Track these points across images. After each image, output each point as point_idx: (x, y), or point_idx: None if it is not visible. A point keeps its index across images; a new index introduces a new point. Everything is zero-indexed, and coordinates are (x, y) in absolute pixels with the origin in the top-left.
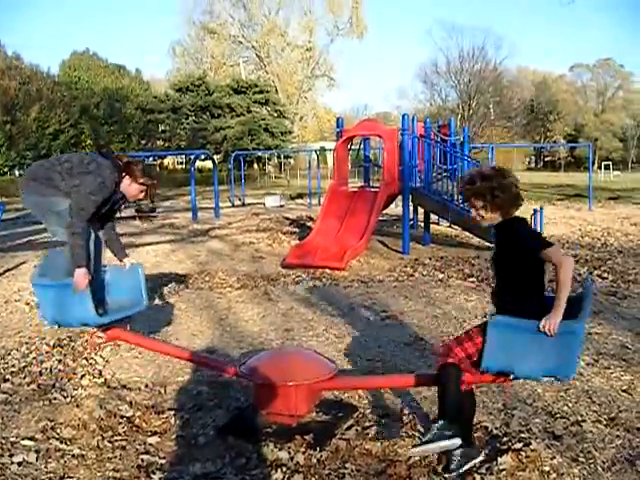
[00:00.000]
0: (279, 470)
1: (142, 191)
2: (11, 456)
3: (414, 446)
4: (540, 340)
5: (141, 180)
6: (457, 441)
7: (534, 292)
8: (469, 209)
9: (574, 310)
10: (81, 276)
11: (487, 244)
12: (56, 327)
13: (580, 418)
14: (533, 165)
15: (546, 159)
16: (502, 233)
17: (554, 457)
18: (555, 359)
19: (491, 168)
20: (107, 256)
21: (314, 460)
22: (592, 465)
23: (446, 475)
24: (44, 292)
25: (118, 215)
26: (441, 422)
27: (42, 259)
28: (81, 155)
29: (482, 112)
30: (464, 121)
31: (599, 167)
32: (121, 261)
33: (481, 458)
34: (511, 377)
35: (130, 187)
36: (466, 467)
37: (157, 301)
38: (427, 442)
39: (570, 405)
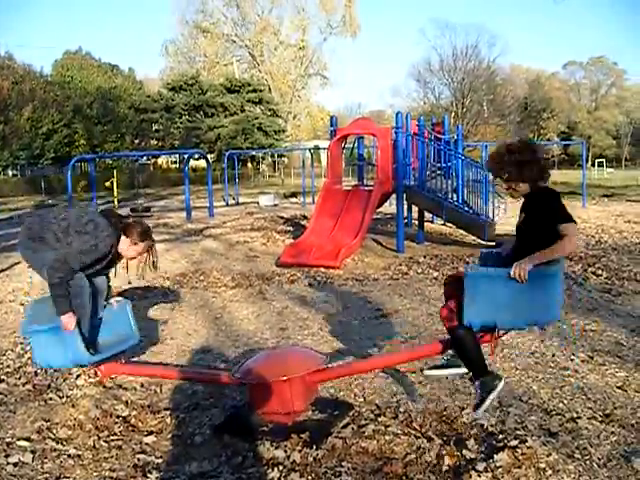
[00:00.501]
0: (275, 469)
1: (140, 254)
2: (7, 457)
3: (475, 409)
4: (517, 288)
5: (140, 243)
6: (501, 383)
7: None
8: (462, 206)
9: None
10: (67, 319)
11: (481, 242)
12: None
13: (575, 415)
14: None
15: None
16: (532, 203)
17: (550, 454)
18: (535, 306)
19: (518, 141)
20: None
21: (310, 458)
22: (588, 461)
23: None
24: (35, 338)
25: None
26: (479, 381)
27: (28, 309)
28: (79, 212)
29: (476, 110)
30: (458, 119)
31: (593, 164)
32: (109, 303)
33: (502, 384)
34: (497, 333)
35: (128, 250)
36: (490, 399)
37: (151, 301)
38: (482, 402)
39: (565, 402)
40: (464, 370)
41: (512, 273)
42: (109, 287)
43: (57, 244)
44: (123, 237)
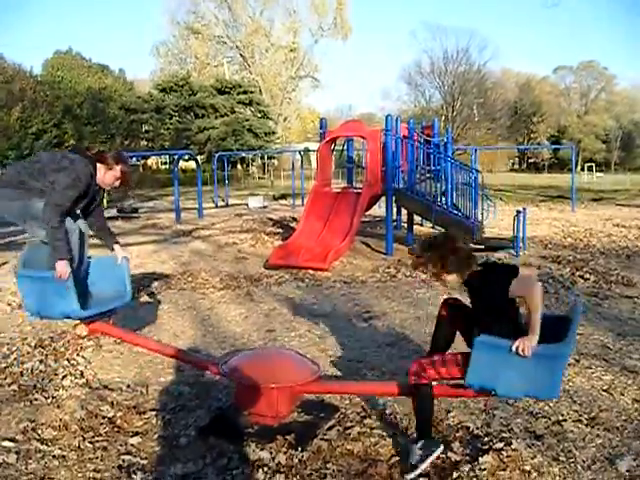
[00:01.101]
0: (260, 470)
1: (117, 178)
2: None
3: (412, 469)
4: (522, 361)
5: (115, 167)
6: (440, 448)
7: (509, 327)
8: (452, 210)
9: (561, 331)
10: (63, 267)
11: (470, 245)
12: (38, 320)
13: (561, 418)
14: (517, 166)
15: (530, 160)
16: (471, 289)
17: (535, 456)
18: (537, 381)
19: (438, 235)
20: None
21: (296, 460)
22: (572, 464)
23: (412, 474)
24: (27, 283)
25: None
26: (422, 442)
27: (24, 251)
28: (50, 153)
29: (466, 113)
30: (448, 122)
31: (582, 169)
32: (112, 250)
33: (441, 449)
34: (492, 394)
35: (105, 176)
36: (428, 462)
37: (139, 301)
38: (421, 462)
39: (551, 405)
40: (441, 448)
41: (514, 347)
42: (111, 233)
43: (37, 184)
44: (98, 165)
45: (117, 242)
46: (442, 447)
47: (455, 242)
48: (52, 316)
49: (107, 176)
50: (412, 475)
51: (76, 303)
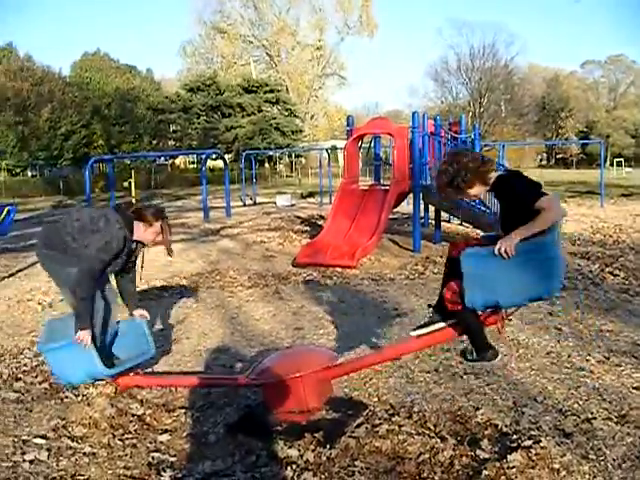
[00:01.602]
0: (289, 468)
1: (158, 234)
2: (23, 454)
3: (464, 353)
4: (510, 264)
5: (155, 223)
6: (497, 359)
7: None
8: (480, 207)
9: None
10: (84, 335)
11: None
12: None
13: (590, 415)
14: (545, 162)
15: (558, 156)
16: (498, 194)
17: (564, 454)
18: (532, 280)
19: (443, 162)
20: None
21: (324, 458)
22: (602, 462)
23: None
24: (53, 355)
25: None
26: (476, 355)
27: (44, 329)
28: (91, 211)
29: (493, 109)
30: (475, 118)
31: (611, 164)
32: (131, 314)
33: (495, 361)
34: (504, 313)
35: (145, 233)
36: (476, 362)
37: (168, 300)
38: (473, 360)
39: (580, 403)
40: (443, 324)
41: (497, 250)
42: (135, 298)
43: (74, 244)
44: (137, 223)
45: (137, 307)
46: (498, 359)
47: (461, 157)
48: (81, 380)
49: (147, 233)
50: (469, 357)
51: (100, 363)
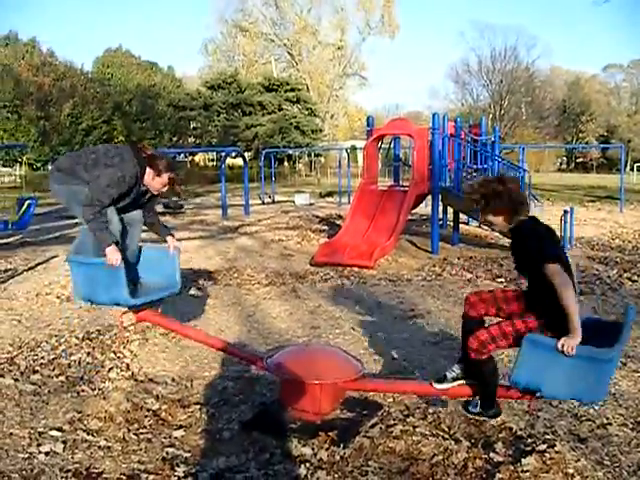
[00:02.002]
0: (302, 466)
1: (164, 185)
2: (39, 446)
3: (467, 405)
4: (569, 362)
5: (164, 174)
6: (496, 418)
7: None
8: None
9: (612, 336)
10: (113, 253)
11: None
12: (85, 312)
13: (606, 421)
14: (565, 166)
15: (578, 160)
16: (514, 238)
17: (579, 459)
18: (583, 383)
19: (492, 177)
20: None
21: (337, 457)
22: (617, 469)
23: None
24: (79, 269)
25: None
26: (480, 408)
27: (78, 237)
28: (108, 147)
29: (514, 112)
30: (495, 121)
31: (631, 169)
32: (164, 241)
33: (496, 420)
34: (537, 395)
35: (153, 181)
36: (477, 416)
37: (185, 296)
38: (472, 410)
39: (596, 408)
40: (467, 381)
41: (559, 346)
42: (164, 226)
43: (86, 174)
44: (148, 169)
45: (171, 234)
46: (498, 418)
47: (507, 183)
48: (102, 302)
49: (155, 181)
50: (470, 408)
51: (126, 291)
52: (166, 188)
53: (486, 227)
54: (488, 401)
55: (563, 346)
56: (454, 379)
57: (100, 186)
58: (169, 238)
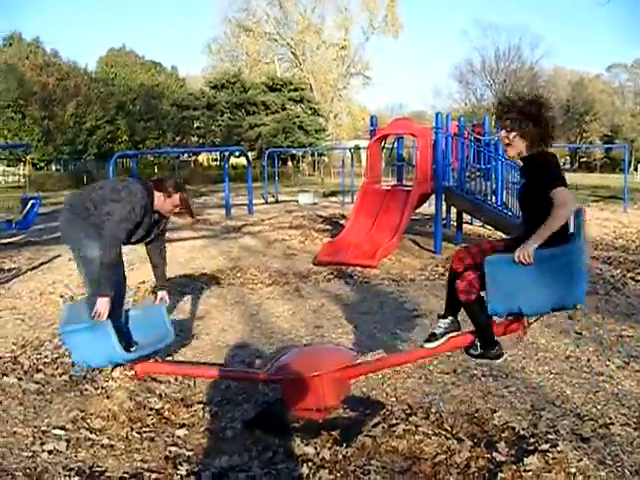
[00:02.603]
0: (305, 465)
1: (176, 206)
2: (42, 444)
3: (467, 351)
4: (533, 271)
5: (174, 195)
6: (502, 359)
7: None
8: (501, 208)
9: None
10: (104, 305)
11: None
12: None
13: (609, 421)
14: (568, 166)
15: (581, 160)
16: (527, 167)
17: (581, 459)
18: (555, 288)
19: (533, 95)
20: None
21: (340, 456)
22: (619, 468)
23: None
24: (72, 338)
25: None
26: (480, 348)
27: (64, 312)
28: (114, 181)
29: None
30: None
31: (635, 169)
32: (154, 292)
33: (499, 361)
34: (526, 321)
35: (165, 203)
36: (480, 359)
37: (188, 296)
38: (473, 353)
39: (599, 407)
40: (455, 333)
41: (516, 257)
42: (164, 273)
43: (95, 212)
44: (157, 193)
45: (165, 289)
46: (501, 360)
47: (546, 110)
48: (99, 364)
49: (167, 203)
50: (472, 351)
51: (119, 347)
52: (178, 209)
53: (490, 226)
54: (487, 340)
55: (519, 256)
56: (442, 335)
57: (114, 222)
58: (161, 292)
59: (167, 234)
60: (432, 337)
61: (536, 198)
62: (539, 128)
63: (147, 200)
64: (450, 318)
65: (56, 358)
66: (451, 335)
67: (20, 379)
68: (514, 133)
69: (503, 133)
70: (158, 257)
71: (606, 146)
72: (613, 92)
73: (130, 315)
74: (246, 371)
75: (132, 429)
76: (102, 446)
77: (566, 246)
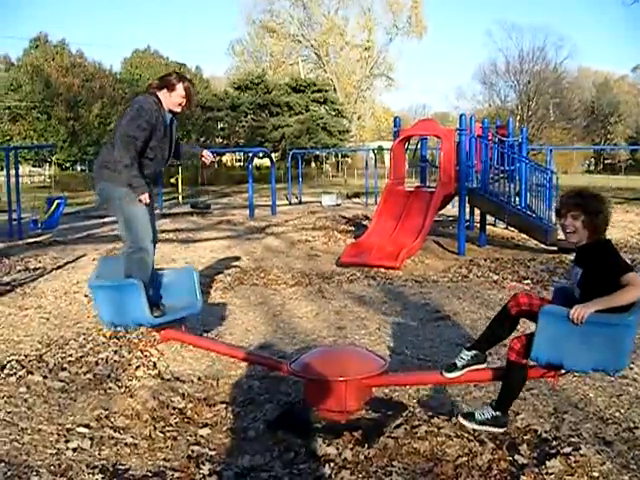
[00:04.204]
0: (327, 465)
1: (183, 97)
2: (67, 442)
3: (464, 416)
4: (588, 332)
5: (177, 85)
6: (502, 430)
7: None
8: (525, 210)
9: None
10: (147, 198)
11: (543, 247)
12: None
13: (632, 425)
14: (593, 168)
15: (606, 162)
16: (589, 255)
17: (604, 463)
18: (602, 352)
19: (596, 192)
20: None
21: (362, 457)
22: None
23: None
24: (101, 293)
25: (174, 211)
26: (498, 414)
27: (97, 264)
28: None
29: (541, 113)
30: (523, 122)
31: None
32: (199, 155)
33: (502, 430)
34: (561, 371)
35: (171, 98)
36: (484, 428)
37: (212, 296)
38: (478, 422)
39: (622, 411)
40: (481, 366)
41: (571, 314)
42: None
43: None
44: (162, 91)
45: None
46: (504, 430)
47: (607, 205)
48: (125, 324)
49: (173, 97)
50: (465, 422)
51: (148, 311)
52: (185, 100)
53: (513, 228)
54: (505, 407)
55: (573, 314)
56: (464, 367)
57: (125, 124)
58: (202, 151)
59: (190, 234)
60: (453, 367)
61: (602, 285)
62: (604, 221)
63: (153, 99)
64: (475, 352)
65: (81, 357)
66: (471, 369)
67: (45, 377)
68: (583, 225)
69: (568, 222)
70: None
71: (631, 147)
72: (638, 93)
73: (160, 275)
74: (270, 358)
75: (155, 428)
76: (125, 444)
77: (623, 318)
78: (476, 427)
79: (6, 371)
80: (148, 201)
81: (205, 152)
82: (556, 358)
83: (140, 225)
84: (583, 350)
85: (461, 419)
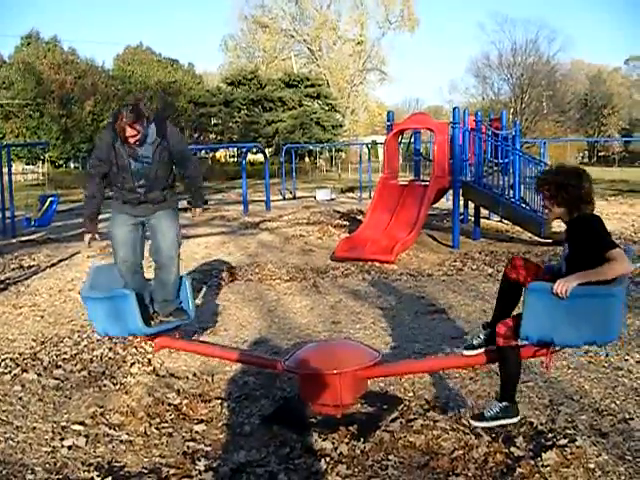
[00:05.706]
0: (323, 460)
1: (123, 129)
2: (62, 440)
3: (474, 418)
4: (570, 305)
5: (118, 122)
6: (516, 419)
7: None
8: (519, 203)
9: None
10: (85, 238)
11: (537, 239)
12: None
13: (628, 416)
14: (586, 160)
15: (600, 154)
16: (573, 232)
17: (600, 454)
18: (589, 325)
19: (570, 166)
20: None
21: (357, 451)
22: (639, 464)
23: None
24: (93, 304)
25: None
26: (505, 404)
27: (89, 275)
28: None
29: (535, 106)
30: (516, 115)
31: None
32: (190, 209)
33: (517, 420)
34: (553, 348)
35: (123, 133)
36: (498, 422)
37: (206, 292)
38: (489, 419)
39: (618, 402)
40: (517, 419)
41: (555, 288)
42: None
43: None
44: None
45: (198, 206)
46: (518, 418)
47: (582, 178)
48: (118, 334)
49: (125, 132)
50: (478, 424)
51: (141, 321)
52: (129, 130)
53: (508, 221)
54: (509, 394)
55: (556, 288)
56: (480, 345)
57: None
58: (194, 210)
59: (184, 230)
60: (471, 346)
61: (587, 260)
62: (576, 194)
63: (109, 133)
64: (490, 330)
65: (75, 354)
66: (487, 348)
67: (40, 375)
68: (553, 201)
69: (543, 202)
70: (190, 182)
71: (625, 139)
72: (631, 85)
73: (153, 286)
74: (264, 357)
75: (150, 425)
76: (121, 441)
77: (608, 288)
78: (490, 424)
79: (0, 369)
80: (86, 244)
81: (197, 211)
82: (546, 334)
83: (114, 246)
84: (572, 324)
85: (472, 422)
